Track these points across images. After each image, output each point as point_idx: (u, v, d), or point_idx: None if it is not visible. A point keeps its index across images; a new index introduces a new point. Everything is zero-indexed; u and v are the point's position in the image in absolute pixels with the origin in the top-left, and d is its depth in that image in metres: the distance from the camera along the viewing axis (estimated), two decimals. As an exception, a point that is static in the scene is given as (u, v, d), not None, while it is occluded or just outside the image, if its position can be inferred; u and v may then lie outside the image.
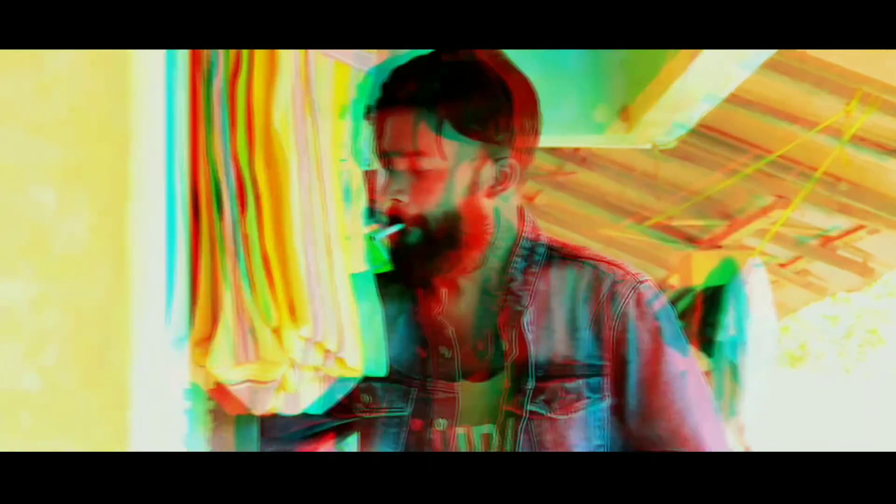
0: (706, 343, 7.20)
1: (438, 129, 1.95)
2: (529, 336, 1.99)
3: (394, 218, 1.98)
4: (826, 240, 7.68)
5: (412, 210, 1.96)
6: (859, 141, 6.05)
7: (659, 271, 9.48)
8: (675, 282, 8.59)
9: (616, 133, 6.37)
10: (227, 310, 1.49)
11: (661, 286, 7.94)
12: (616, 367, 1.98)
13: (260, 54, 1.54)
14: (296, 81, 1.64)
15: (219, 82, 1.51)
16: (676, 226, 8.11)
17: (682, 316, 7.43)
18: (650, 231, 8.20)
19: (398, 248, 1.99)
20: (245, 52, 1.53)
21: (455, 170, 1.96)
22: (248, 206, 1.51)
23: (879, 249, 7.52)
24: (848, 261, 7.77)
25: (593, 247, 7.07)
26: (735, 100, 5.90)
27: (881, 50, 5.15)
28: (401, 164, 1.95)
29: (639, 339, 1.99)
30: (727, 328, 6.78)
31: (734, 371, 6.79)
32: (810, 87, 5.73)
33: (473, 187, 1.97)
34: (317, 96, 1.73)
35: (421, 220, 1.96)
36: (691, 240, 8.33)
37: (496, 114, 1.98)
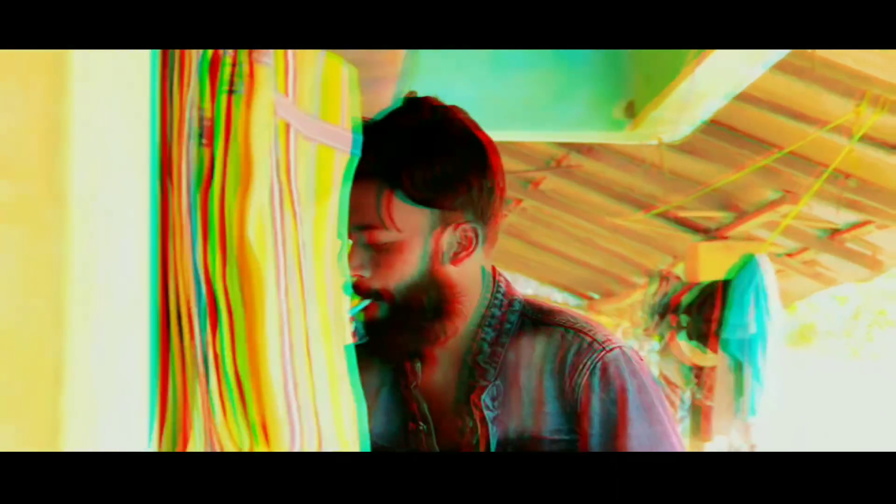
0: (712, 340, 7.14)
1: (387, 200, 1.88)
2: (489, 414, 1.91)
3: (360, 293, 1.90)
4: (835, 233, 7.61)
5: (375, 284, 1.88)
6: (868, 139, 5.97)
7: (666, 258, 9.42)
8: (681, 271, 8.53)
9: (619, 130, 6.32)
10: (195, 436, 1.42)
11: (668, 274, 7.88)
12: (582, 440, 1.90)
13: (233, 157, 1.46)
14: (274, 177, 1.57)
15: (188, 191, 1.44)
16: (684, 216, 8.03)
17: (687, 310, 7.37)
18: (657, 220, 8.13)
19: (370, 323, 1.92)
20: (218, 156, 1.46)
21: (413, 240, 1.88)
22: (219, 323, 1.44)
23: (888, 243, 7.45)
24: (857, 253, 7.71)
25: (599, 237, 7.07)
26: (743, 97, 5.83)
27: (890, 51, 5.09)
28: (361, 237, 1.88)
29: (602, 410, 1.88)
30: (748, 325, 6.69)
31: (755, 370, 6.72)
32: (819, 87, 5.64)
33: (436, 256, 1.89)
34: (298, 186, 1.66)
35: (386, 294, 1.88)
36: (698, 230, 8.26)
37: (450, 178, 1.89)
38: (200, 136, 1.46)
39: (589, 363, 1.90)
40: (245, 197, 1.45)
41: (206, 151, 1.46)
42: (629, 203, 8.16)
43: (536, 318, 1.95)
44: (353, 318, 2.64)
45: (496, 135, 6.39)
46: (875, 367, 14.00)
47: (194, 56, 1.46)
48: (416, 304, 1.88)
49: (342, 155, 1.80)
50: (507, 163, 8.02)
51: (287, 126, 1.66)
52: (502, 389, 1.92)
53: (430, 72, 5.57)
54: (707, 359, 7.23)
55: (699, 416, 7.70)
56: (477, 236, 1.91)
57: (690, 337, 7.28)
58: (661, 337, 7.77)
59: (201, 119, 1.46)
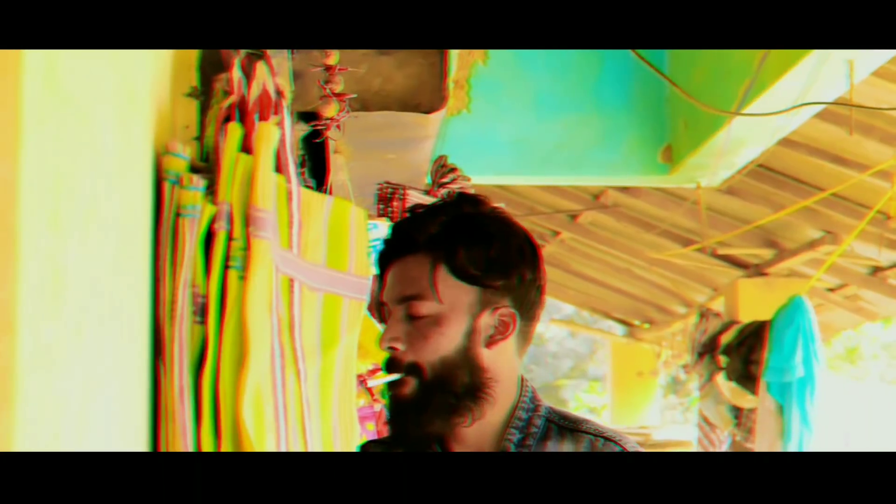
0: (746, 379, 7.05)
1: (434, 272, 1.84)
2: None
3: (393, 367, 1.85)
4: (877, 270, 7.51)
5: (410, 357, 1.83)
6: (909, 184, 5.89)
7: (706, 291, 9.33)
8: (721, 305, 8.44)
9: (657, 174, 6.26)
10: None
11: (707, 313, 7.79)
12: None
13: (229, 335, 1.42)
14: (275, 342, 1.53)
15: (183, 373, 1.40)
16: (724, 252, 7.95)
17: (727, 350, 7.28)
18: (697, 255, 8.05)
19: (398, 400, 1.85)
20: (213, 334, 1.41)
21: (454, 315, 1.84)
22: (214, 508, 1.39)
23: (930, 282, 7.35)
24: (899, 290, 7.61)
25: (638, 268, 7.03)
26: (785, 142, 5.76)
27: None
28: (398, 310, 1.84)
29: None
30: (795, 368, 6.58)
31: (803, 414, 6.61)
32: (860, 135, 5.56)
33: (473, 336, 1.86)
34: (302, 342, 1.62)
35: (419, 369, 1.84)
36: (739, 265, 8.18)
37: (495, 259, 1.87)
38: (194, 314, 1.42)
39: None
40: (242, 376, 1.41)
41: (201, 329, 1.42)
42: (669, 238, 8.09)
43: (563, 425, 1.92)
44: (371, 390, 2.58)
45: (537, 179, 6.36)
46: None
47: (188, 230, 1.42)
48: (448, 382, 1.84)
49: (349, 301, 1.76)
50: (546, 198, 7.96)
51: (291, 281, 1.62)
52: None
53: (471, 119, 5.57)
54: (748, 400, 7.14)
55: (739, 456, 7.60)
56: (514, 323, 1.87)
57: (730, 377, 7.18)
58: (703, 375, 7.68)
59: (194, 296, 1.42)
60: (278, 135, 1.51)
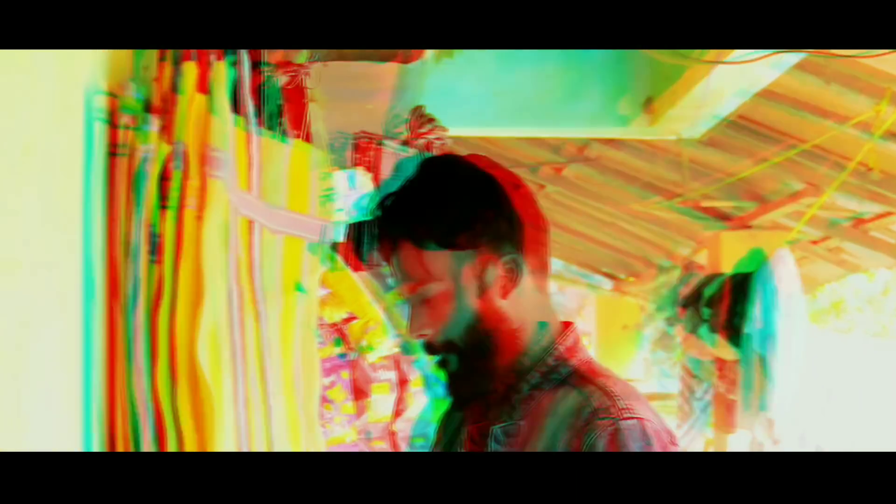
0: (734, 333, 7.07)
1: (420, 254, 1.87)
2: (495, 445, 1.91)
3: (431, 352, 1.92)
4: (858, 222, 7.52)
5: (439, 338, 1.90)
6: (890, 135, 5.89)
7: (690, 244, 9.35)
8: (703, 258, 8.46)
9: (640, 125, 6.25)
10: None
11: (690, 266, 7.81)
12: None
13: (185, 274, 1.43)
14: (233, 283, 1.53)
15: (140, 312, 1.40)
16: (707, 205, 7.95)
17: (710, 303, 7.31)
18: (679, 208, 8.05)
19: (449, 379, 1.94)
20: (168, 274, 1.42)
21: (457, 284, 1.87)
22: (167, 443, 1.41)
23: (912, 233, 7.37)
24: (880, 241, 7.62)
25: (623, 221, 7.02)
26: (764, 94, 5.75)
27: (912, 52, 5.00)
28: (413, 299, 1.90)
29: None
30: (754, 320, 6.63)
31: (763, 364, 6.65)
32: (839, 87, 5.56)
33: (483, 293, 1.88)
34: (262, 283, 1.62)
35: (451, 346, 1.90)
36: (721, 217, 8.19)
37: (477, 215, 1.88)
38: (150, 252, 1.43)
39: (601, 427, 1.87)
40: (197, 315, 1.42)
41: (157, 269, 1.43)
42: (652, 191, 8.10)
43: (578, 378, 1.92)
44: (346, 338, 2.63)
45: (516, 131, 6.34)
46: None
47: (142, 170, 1.43)
48: (482, 346, 1.89)
49: (311, 243, 1.77)
50: (530, 151, 7.94)
51: (250, 223, 1.62)
52: (520, 430, 1.91)
53: (437, 74, 5.53)
54: (730, 352, 7.17)
55: (722, 408, 7.65)
56: (518, 266, 1.88)
57: (713, 330, 7.21)
58: (686, 328, 7.71)
59: (149, 236, 1.42)
60: (234, 75, 1.51)
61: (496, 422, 1.93)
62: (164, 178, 1.46)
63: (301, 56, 2.77)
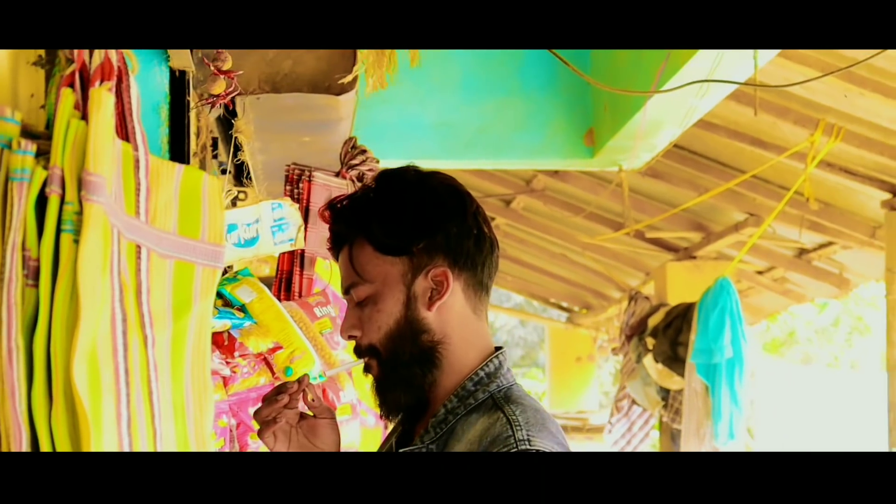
0: (678, 362, 7.11)
1: (358, 257, 1.90)
2: None
3: (358, 353, 1.93)
4: (802, 252, 7.60)
5: (365, 340, 1.91)
6: (826, 166, 5.97)
7: (639, 275, 9.41)
8: (651, 289, 8.52)
9: (581, 157, 6.30)
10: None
11: (636, 296, 7.86)
12: None
13: (61, 297, 1.44)
14: (117, 306, 1.55)
15: (15, 335, 1.42)
16: (653, 236, 8.02)
17: (654, 333, 7.35)
18: (628, 240, 8.11)
19: (374, 383, 1.94)
20: (45, 298, 1.44)
21: (388, 290, 1.88)
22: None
23: (854, 263, 7.44)
24: (824, 272, 7.70)
25: (573, 254, 6.99)
26: (704, 125, 5.82)
27: (841, 83, 5.07)
28: (349, 300, 1.93)
29: None
30: (723, 349, 6.65)
31: (733, 395, 6.69)
32: (773, 117, 5.63)
33: (412, 303, 1.89)
34: (151, 308, 1.64)
35: (375, 350, 1.90)
36: (669, 249, 8.25)
37: (411, 224, 1.89)
38: (26, 276, 1.44)
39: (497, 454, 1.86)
40: (74, 338, 1.43)
41: (34, 292, 1.44)
42: (601, 222, 8.15)
43: (492, 403, 1.90)
44: (272, 367, 2.63)
45: (462, 163, 6.32)
46: (855, 374, 13.99)
47: (16, 194, 1.44)
48: (399, 354, 1.89)
49: (203, 268, 1.78)
50: (479, 183, 7.95)
51: (138, 248, 1.64)
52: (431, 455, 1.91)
53: (379, 106, 5.56)
54: (675, 381, 7.21)
55: (667, 438, 7.68)
56: (448, 279, 1.88)
57: (657, 359, 7.25)
58: (631, 357, 7.75)
59: (26, 259, 1.44)
60: (111, 100, 1.53)
61: (409, 445, 1.93)
62: (41, 202, 1.47)
63: (219, 86, 2.79)
